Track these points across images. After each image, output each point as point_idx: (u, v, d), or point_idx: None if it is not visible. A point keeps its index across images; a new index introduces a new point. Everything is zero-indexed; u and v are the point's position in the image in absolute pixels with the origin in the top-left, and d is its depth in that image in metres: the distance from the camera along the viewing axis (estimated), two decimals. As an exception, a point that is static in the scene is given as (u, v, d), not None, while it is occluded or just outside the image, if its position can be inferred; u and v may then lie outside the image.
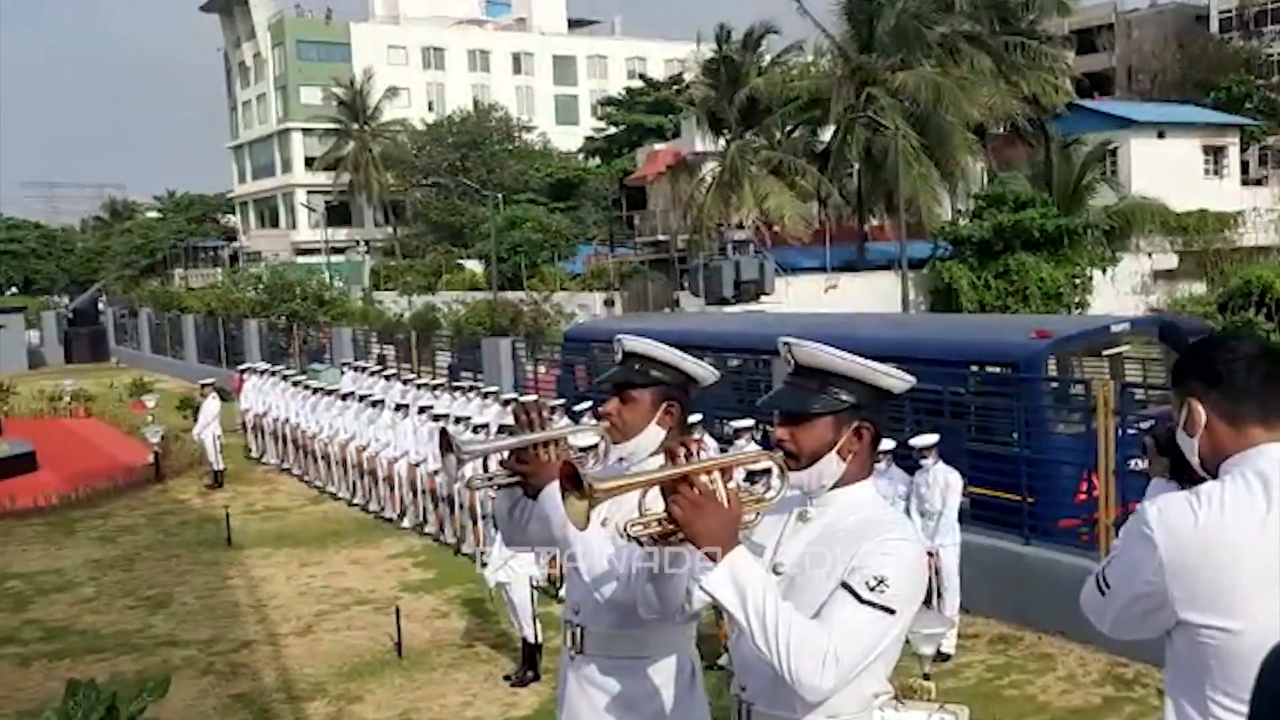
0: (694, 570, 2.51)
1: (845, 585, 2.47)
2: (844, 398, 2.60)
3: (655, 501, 2.50)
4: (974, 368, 11.96)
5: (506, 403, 13.41)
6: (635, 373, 3.16)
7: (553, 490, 2.84)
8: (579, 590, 3.14)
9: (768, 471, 2.72)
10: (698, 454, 2.44)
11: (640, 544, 2.62)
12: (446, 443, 2.85)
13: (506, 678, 8.64)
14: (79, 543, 13.87)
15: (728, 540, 2.39)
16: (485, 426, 11.97)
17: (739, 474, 5.04)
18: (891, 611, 2.46)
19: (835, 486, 2.64)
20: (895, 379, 2.65)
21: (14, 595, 11.69)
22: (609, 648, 3.11)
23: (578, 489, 2.38)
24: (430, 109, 69.18)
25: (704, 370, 3.22)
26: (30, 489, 16.11)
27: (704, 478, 2.41)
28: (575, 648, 3.18)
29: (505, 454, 3.06)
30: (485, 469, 3.21)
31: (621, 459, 3.13)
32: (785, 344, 2.69)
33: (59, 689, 6.47)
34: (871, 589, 2.45)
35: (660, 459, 2.96)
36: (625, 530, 2.50)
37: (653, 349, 3.17)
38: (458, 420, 12.29)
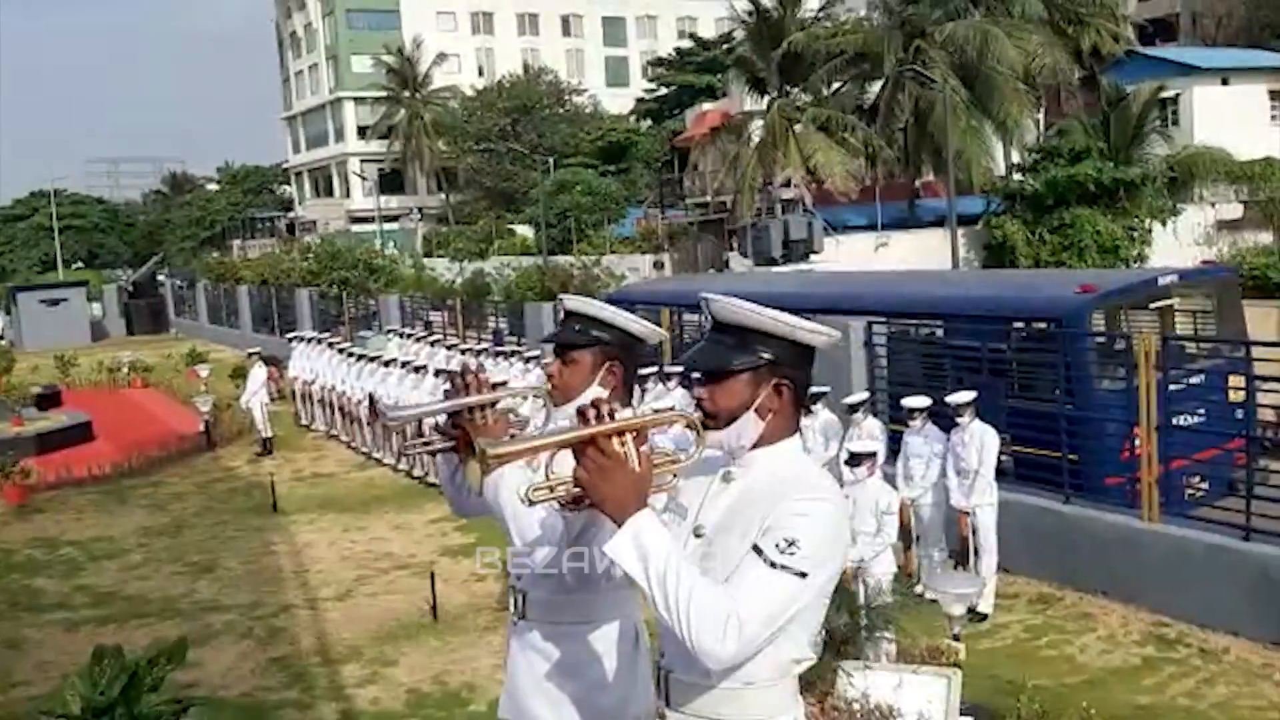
0: (609, 534, 2.42)
1: (755, 547, 2.38)
2: (763, 354, 2.50)
3: (565, 464, 2.41)
4: (1018, 324, 11.73)
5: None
6: (575, 333, 3.08)
7: None
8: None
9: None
10: (609, 415, 2.34)
11: (564, 508, 2.53)
12: (375, 409, 2.79)
13: (539, 641, 8.66)
14: (130, 510, 14.15)
15: (634, 503, 2.30)
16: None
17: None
18: (802, 575, 2.35)
19: (757, 446, 2.54)
20: (815, 334, 2.53)
21: (66, 562, 11.96)
22: (550, 613, 3.06)
23: (474, 454, 2.30)
24: (480, 74, 69.07)
25: (646, 329, 3.13)
26: (86, 458, 16.44)
27: (614, 440, 2.32)
28: (518, 613, 3.13)
29: (443, 419, 3.00)
30: (421, 433, 3.14)
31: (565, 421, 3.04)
32: (703, 299, 2.60)
33: (102, 654, 6.59)
34: (781, 551, 2.34)
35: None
36: (527, 496, 2.41)
37: (592, 308, 3.09)
38: (494, 386, 12.26)
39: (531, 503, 2.44)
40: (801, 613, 2.40)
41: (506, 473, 2.87)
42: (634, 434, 2.36)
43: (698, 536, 2.54)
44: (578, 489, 2.35)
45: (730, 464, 2.58)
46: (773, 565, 2.34)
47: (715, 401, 2.52)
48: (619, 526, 2.30)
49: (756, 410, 2.51)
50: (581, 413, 2.33)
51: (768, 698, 2.48)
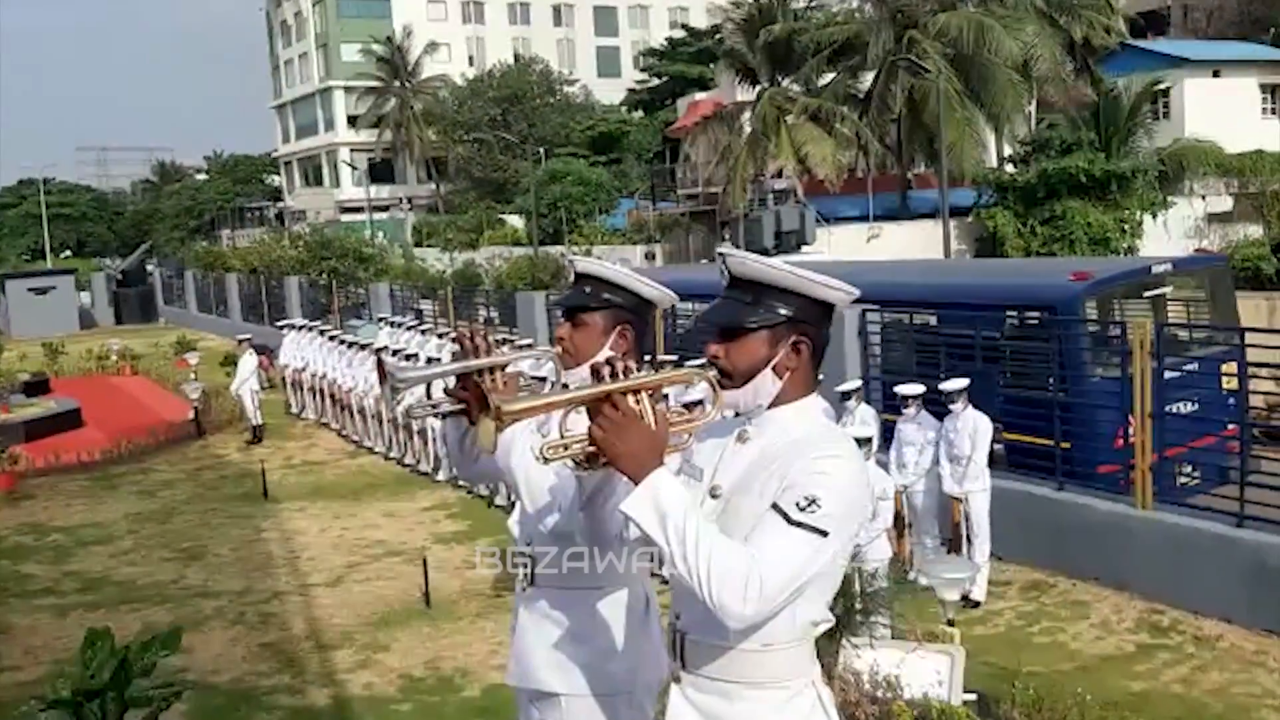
0: (623, 494, 2.38)
1: (775, 506, 2.34)
2: (781, 311, 2.46)
3: (579, 424, 2.37)
4: (1011, 312, 11.72)
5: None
6: (587, 295, 3.03)
7: None
8: (527, 522, 3.04)
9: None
10: (624, 372, 2.30)
11: (579, 467, 2.50)
12: (382, 371, 2.74)
13: (532, 627, 8.61)
14: (120, 497, 14.07)
15: (651, 462, 2.27)
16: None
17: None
18: (823, 533, 2.31)
19: (774, 405, 2.50)
20: (835, 290, 2.49)
21: (55, 548, 11.88)
22: (559, 579, 3.02)
23: (487, 411, 2.26)
24: (471, 63, 68.89)
25: (658, 292, 3.09)
26: (75, 445, 16.32)
27: (629, 397, 2.28)
28: (527, 579, 3.10)
29: (451, 382, 2.96)
30: (429, 396, 3.08)
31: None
32: (719, 253, 2.56)
33: (92, 639, 6.53)
34: (802, 509, 2.30)
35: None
36: (541, 453, 2.36)
37: (604, 270, 3.05)
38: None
39: (546, 460, 2.39)
40: (821, 572, 2.37)
41: (518, 436, 2.83)
42: (650, 392, 2.32)
43: (714, 497, 2.50)
44: (593, 447, 2.31)
45: (746, 424, 2.54)
46: (794, 523, 2.30)
47: (732, 360, 2.48)
48: (635, 484, 2.26)
49: (774, 368, 2.47)
50: (596, 370, 2.29)
51: (786, 659, 2.46)
